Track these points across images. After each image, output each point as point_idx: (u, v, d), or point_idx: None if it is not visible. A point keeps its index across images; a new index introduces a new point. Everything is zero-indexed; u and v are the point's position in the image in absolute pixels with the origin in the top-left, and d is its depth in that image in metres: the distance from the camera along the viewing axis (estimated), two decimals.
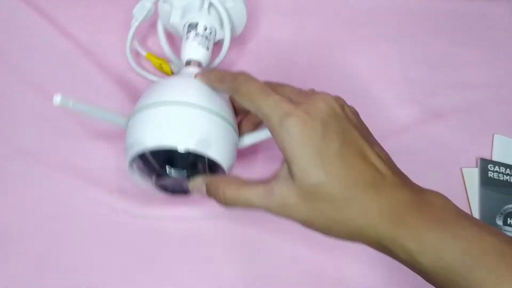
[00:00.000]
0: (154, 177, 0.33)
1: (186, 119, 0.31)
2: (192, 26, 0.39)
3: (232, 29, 0.42)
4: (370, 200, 0.26)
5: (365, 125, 0.31)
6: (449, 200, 0.27)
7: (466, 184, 0.45)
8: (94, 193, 0.39)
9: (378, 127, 0.46)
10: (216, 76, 0.32)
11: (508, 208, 0.45)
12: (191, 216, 0.40)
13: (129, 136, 0.32)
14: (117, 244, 0.38)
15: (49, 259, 0.37)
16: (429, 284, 0.28)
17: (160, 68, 0.45)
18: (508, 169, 0.46)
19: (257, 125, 0.36)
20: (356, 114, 0.31)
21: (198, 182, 0.31)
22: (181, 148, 0.30)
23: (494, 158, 0.47)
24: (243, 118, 0.36)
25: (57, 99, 0.29)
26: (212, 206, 0.39)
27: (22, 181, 0.40)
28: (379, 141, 0.45)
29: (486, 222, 0.27)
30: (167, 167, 0.31)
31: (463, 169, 0.46)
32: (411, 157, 0.45)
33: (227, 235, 0.40)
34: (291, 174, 0.27)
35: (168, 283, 0.38)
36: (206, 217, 0.40)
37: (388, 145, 0.45)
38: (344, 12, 0.53)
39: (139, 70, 0.44)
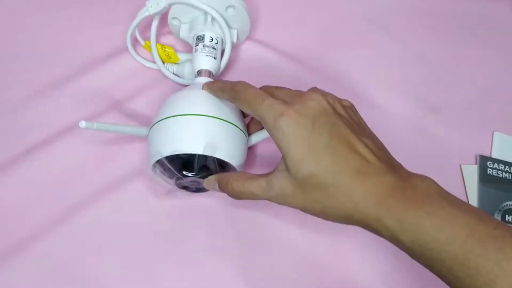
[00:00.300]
0: (174, 179, 0.37)
1: (194, 127, 0.35)
2: (200, 39, 0.43)
3: (237, 35, 0.46)
4: (356, 186, 0.29)
5: (358, 117, 0.34)
6: (434, 183, 0.30)
7: (465, 180, 0.45)
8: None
9: (378, 124, 0.47)
10: (218, 87, 0.36)
11: (507, 205, 0.45)
12: (188, 208, 0.40)
13: (149, 146, 0.37)
14: (117, 238, 0.39)
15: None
16: (427, 274, 0.29)
17: (168, 59, 0.46)
18: (507, 166, 0.46)
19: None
20: (348, 107, 0.34)
21: (211, 180, 0.36)
22: (192, 153, 0.35)
23: (494, 155, 0.47)
24: (250, 120, 0.41)
25: (82, 124, 0.33)
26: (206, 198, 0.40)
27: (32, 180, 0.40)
28: (379, 137, 0.46)
29: (466, 202, 0.29)
30: (184, 171, 0.36)
31: (462, 166, 0.46)
32: (411, 153, 0.46)
33: (226, 227, 0.40)
34: (287, 167, 0.31)
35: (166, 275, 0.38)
36: (205, 208, 0.40)
37: (387, 143, 0.46)
38: (345, 10, 0.54)
39: (138, 58, 0.47)
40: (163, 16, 0.45)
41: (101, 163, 0.41)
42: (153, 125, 0.37)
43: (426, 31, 0.54)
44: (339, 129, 0.30)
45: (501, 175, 0.46)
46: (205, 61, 0.42)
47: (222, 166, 0.36)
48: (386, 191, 0.28)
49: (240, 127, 0.37)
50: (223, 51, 0.45)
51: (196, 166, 0.35)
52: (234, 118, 0.37)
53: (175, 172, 0.36)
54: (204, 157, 0.35)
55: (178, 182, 0.37)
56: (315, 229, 0.40)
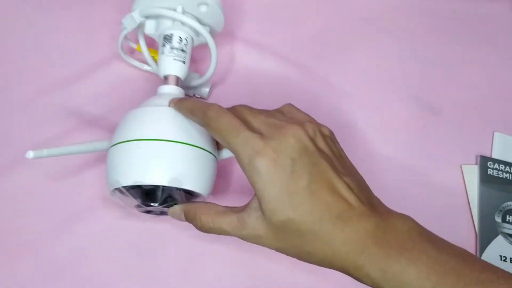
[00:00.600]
0: (135, 206, 0.34)
1: (158, 155, 0.32)
2: (167, 39, 0.38)
3: (211, 32, 0.42)
4: (337, 232, 0.27)
5: (338, 149, 0.32)
6: (415, 223, 0.29)
7: (465, 181, 0.45)
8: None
9: (378, 124, 0.47)
10: (188, 108, 0.33)
11: (507, 205, 0.45)
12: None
13: (107, 170, 0.34)
14: (112, 244, 0.38)
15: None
16: None
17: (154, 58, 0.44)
18: (507, 167, 0.46)
19: None
20: (328, 137, 0.32)
21: (177, 211, 0.33)
22: (155, 185, 0.32)
23: (494, 156, 0.47)
24: None
25: (30, 154, 0.31)
26: None
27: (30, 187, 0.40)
28: (378, 138, 0.46)
29: (448, 241, 0.28)
30: (146, 201, 0.33)
31: (463, 166, 0.46)
32: (411, 154, 0.46)
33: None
34: (261, 210, 0.28)
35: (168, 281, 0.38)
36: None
37: (387, 142, 0.46)
38: (345, 8, 0.54)
39: (133, 62, 0.45)
40: None
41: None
42: (112, 146, 0.33)
43: (426, 31, 0.54)
44: (320, 169, 0.28)
45: (501, 176, 0.46)
46: (173, 66, 0.38)
47: (189, 193, 0.33)
48: (368, 237, 0.27)
49: (209, 149, 0.34)
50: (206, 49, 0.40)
51: (160, 196, 0.33)
52: (203, 139, 0.33)
53: (136, 201, 0.33)
54: (169, 188, 0.32)
55: (141, 208, 0.34)
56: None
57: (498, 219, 0.44)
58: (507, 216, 0.44)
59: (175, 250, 0.39)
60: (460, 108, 0.49)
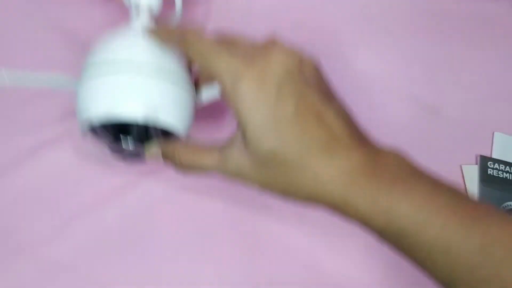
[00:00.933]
0: (109, 145, 0.32)
1: (133, 87, 0.29)
2: None
3: None
4: (323, 165, 0.26)
5: (325, 81, 0.30)
6: (405, 157, 0.27)
7: (465, 181, 0.45)
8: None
9: (378, 124, 0.47)
10: (164, 34, 0.31)
11: (508, 205, 0.45)
12: (190, 212, 0.40)
13: (77, 106, 0.31)
14: (111, 239, 0.38)
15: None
16: (425, 281, 0.27)
17: None
18: (508, 167, 0.46)
19: None
20: (315, 69, 0.30)
21: (153, 150, 0.31)
22: (129, 118, 0.29)
23: (494, 156, 0.47)
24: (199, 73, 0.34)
25: None
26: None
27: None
28: (378, 138, 0.46)
29: (441, 179, 0.27)
30: (120, 137, 0.31)
31: (463, 166, 0.46)
32: (411, 154, 0.46)
33: (226, 228, 0.40)
34: (245, 140, 0.27)
35: (167, 275, 0.38)
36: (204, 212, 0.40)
37: (387, 141, 0.46)
38: (345, 8, 0.54)
39: None
40: None
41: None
42: (83, 77, 0.30)
43: (426, 31, 0.53)
44: (307, 97, 0.26)
45: (501, 176, 0.46)
46: None
47: (165, 132, 0.31)
48: (356, 169, 0.25)
49: (187, 86, 0.31)
50: None
51: (135, 131, 0.30)
52: (181, 75, 0.31)
53: (110, 138, 0.31)
54: (144, 124, 0.30)
55: (114, 148, 0.32)
56: (314, 231, 0.40)
57: (473, 198, 0.44)
58: None
59: (175, 250, 0.39)
60: (460, 108, 0.49)
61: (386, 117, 0.47)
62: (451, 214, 0.24)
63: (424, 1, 0.55)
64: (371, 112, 0.47)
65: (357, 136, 0.27)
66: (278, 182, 0.27)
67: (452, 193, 0.26)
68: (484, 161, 0.46)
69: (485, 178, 0.45)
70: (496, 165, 0.46)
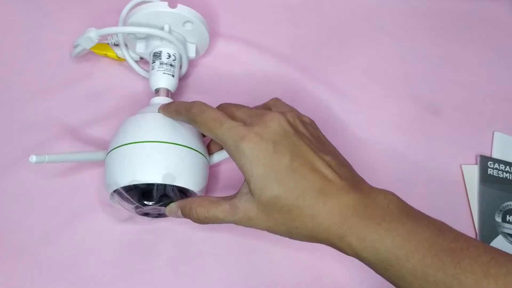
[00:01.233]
0: (134, 207, 0.36)
1: (151, 155, 0.34)
2: (157, 56, 0.41)
3: (196, 50, 0.44)
4: (319, 206, 0.29)
5: (319, 135, 0.34)
6: (396, 197, 0.30)
7: (465, 181, 0.45)
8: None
9: (378, 123, 0.47)
10: (173, 109, 0.35)
11: (507, 205, 0.45)
12: (190, 226, 0.39)
13: (106, 174, 0.36)
14: (104, 251, 0.38)
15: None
16: None
17: (106, 56, 0.45)
18: (507, 167, 0.46)
19: None
20: (309, 124, 0.34)
21: (173, 208, 0.35)
22: (150, 182, 0.34)
23: (494, 156, 0.47)
24: (211, 139, 0.39)
25: (33, 158, 0.33)
26: None
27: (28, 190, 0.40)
28: (378, 138, 0.46)
29: (427, 215, 0.30)
30: (143, 200, 0.35)
31: (463, 166, 0.46)
32: (411, 154, 0.46)
33: (223, 244, 0.40)
34: (250, 190, 0.30)
35: None
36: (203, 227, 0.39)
37: (387, 142, 0.46)
38: (345, 8, 0.54)
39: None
40: None
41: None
42: (109, 152, 0.36)
43: (426, 31, 0.54)
44: (300, 149, 0.31)
45: (501, 175, 0.46)
46: (163, 80, 0.40)
47: (183, 192, 0.35)
48: (349, 210, 0.29)
49: (199, 150, 0.36)
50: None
51: (155, 195, 0.35)
52: (193, 141, 0.36)
53: (134, 201, 0.35)
54: (163, 186, 0.34)
55: (138, 210, 0.36)
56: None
57: (498, 219, 0.44)
58: (507, 216, 0.44)
59: (175, 250, 0.39)
60: (460, 108, 0.49)
61: (386, 117, 0.48)
62: (429, 248, 0.27)
63: (424, 1, 0.56)
64: (371, 112, 0.47)
65: (349, 179, 0.31)
66: (282, 225, 0.30)
67: (434, 227, 0.29)
68: (484, 161, 0.46)
69: (485, 178, 0.45)
70: (496, 165, 0.46)
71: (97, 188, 0.40)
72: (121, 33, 0.43)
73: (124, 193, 0.35)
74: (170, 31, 0.41)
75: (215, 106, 0.35)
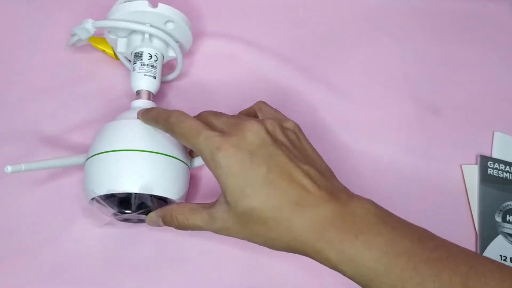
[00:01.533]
0: (112, 215, 0.36)
1: (128, 165, 0.34)
2: (138, 56, 0.40)
3: (180, 47, 0.43)
4: (296, 219, 0.29)
5: (301, 141, 0.34)
6: (374, 206, 0.30)
7: (465, 181, 0.45)
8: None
9: (378, 123, 0.47)
10: (152, 117, 0.35)
11: (507, 205, 0.45)
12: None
13: (85, 181, 0.35)
14: (109, 255, 0.38)
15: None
16: None
17: (104, 52, 0.45)
18: (507, 166, 0.46)
19: None
20: (290, 130, 0.33)
21: (153, 218, 0.35)
22: (127, 192, 0.33)
23: (494, 156, 0.47)
24: None
25: (8, 169, 0.32)
26: None
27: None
28: (378, 138, 0.46)
29: (406, 222, 0.30)
30: (122, 208, 0.35)
31: (463, 166, 0.46)
32: (411, 154, 0.46)
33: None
34: (226, 202, 0.30)
35: None
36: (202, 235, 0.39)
37: (387, 142, 0.46)
38: (345, 9, 0.54)
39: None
40: None
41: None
42: (88, 158, 0.35)
43: (426, 31, 0.54)
44: (277, 159, 0.30)
45: (501, 175, 0.46)
46: (144, 81, 0.39)
47: (163, 199, 0.35)
48: (325, 222, 0.28)
49: (178, 157, 0.35)
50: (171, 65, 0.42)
51: (134, 203, 0.34)
52: (172, 148, 0.35)
53: (113, 209, 0.35)
54: (141, 195, 0.34)
55: (118, 217, 0.36)
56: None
57: (499, 219, 0.44)
58: (507, 215, 0.44)
59: (175, 250, 0.39)
60: (460, 108, 0.49)
61: (386, 117, 0.48)
62: (408, 261, 0.27)
63: (424, 1, 0.56)
64: (371, 112, 0.47)
65: (328, 189, 0.30)
66: (259, 236, 0.30)
67: (413, 237, 0.28)
68: (484, 161, 0.46)
69: (485, 178, 0.45)
70: (496, 165, 0.46)
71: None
72: (116, 28, 0.41)
73: (101, 201, 0.34)
74: (171, 33, 0.41)
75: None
